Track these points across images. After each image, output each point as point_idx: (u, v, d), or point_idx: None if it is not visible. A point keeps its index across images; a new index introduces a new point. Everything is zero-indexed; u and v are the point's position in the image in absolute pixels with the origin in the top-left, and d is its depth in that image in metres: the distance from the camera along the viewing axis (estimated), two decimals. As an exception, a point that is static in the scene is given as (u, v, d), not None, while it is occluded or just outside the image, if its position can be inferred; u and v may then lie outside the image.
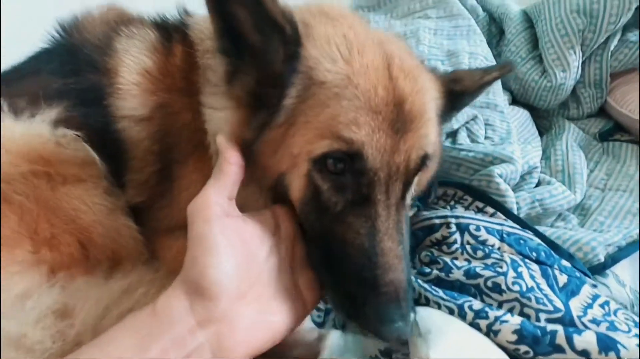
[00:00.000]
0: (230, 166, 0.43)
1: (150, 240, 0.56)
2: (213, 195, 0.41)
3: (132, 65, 0.57)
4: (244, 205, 0.46)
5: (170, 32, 0.60)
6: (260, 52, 0.46)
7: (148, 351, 0.34)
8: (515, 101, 1.00)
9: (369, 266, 0.42)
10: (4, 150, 0.47)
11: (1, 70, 0.61)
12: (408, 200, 0.50)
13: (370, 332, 0.42)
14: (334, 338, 0.49)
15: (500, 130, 0.79)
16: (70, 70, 0.56)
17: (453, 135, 0.78)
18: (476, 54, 0.87)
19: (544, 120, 1.00)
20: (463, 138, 0.76)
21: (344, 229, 0.44)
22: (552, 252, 0.58)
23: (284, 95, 0.45)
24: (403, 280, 0.42)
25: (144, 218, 0.56)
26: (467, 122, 0.79)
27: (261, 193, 0.50)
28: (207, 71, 0.53)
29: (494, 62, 0.90)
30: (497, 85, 0.87)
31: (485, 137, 0.78)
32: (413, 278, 0.54)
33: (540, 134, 0.94)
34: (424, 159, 0.47)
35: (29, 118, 0.50)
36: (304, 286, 0.44)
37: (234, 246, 0.39)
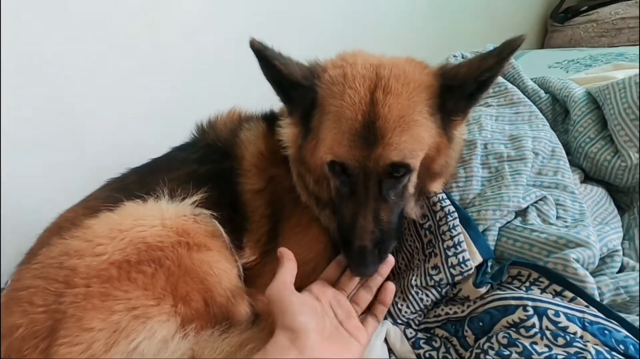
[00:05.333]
0: (290, 260, 0.63)
1: (255, 297, 0.68)
2: (282, 276, 0.58)
3: (252, 151, 0.80)
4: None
5: (273, 121, 0.83)
6: (298, 99, 0.70)
7: None
8: (588, 178, 0.99)
9: (350, 233, 0.65)
10: (162, 225, 0.64)
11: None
12: (392, 195, 0.67)
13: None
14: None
15: (573, 211, 0.80)
16: (211, 160, 0.79)
17: (523, 214, 0.80)
18: (539, 137, 0.92)
19: (624, 196, 0.96)
20: (534, 218, 0.78)
21: (343, 208, 0.67)
22: (645, 346, 0.56)
23: (311, 120, 0.69)
24: (367, 246, 0.64)
25: (253, 276, 0.72)
26: (536, 202, 0.81)
27: (318, 182, 0.73)
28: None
29: (558, 144, 0.93)
30: (565, 165, 0.89)
31: (557, 217, 0.79)
32: (491, 359, 0.57)
33: (621, 212, 0.91)
34: (393, 165, 0.64)
35: (180, 201, 0.68)
36: (353, 330, 0.60)
37: (304, 303, 0.56)
